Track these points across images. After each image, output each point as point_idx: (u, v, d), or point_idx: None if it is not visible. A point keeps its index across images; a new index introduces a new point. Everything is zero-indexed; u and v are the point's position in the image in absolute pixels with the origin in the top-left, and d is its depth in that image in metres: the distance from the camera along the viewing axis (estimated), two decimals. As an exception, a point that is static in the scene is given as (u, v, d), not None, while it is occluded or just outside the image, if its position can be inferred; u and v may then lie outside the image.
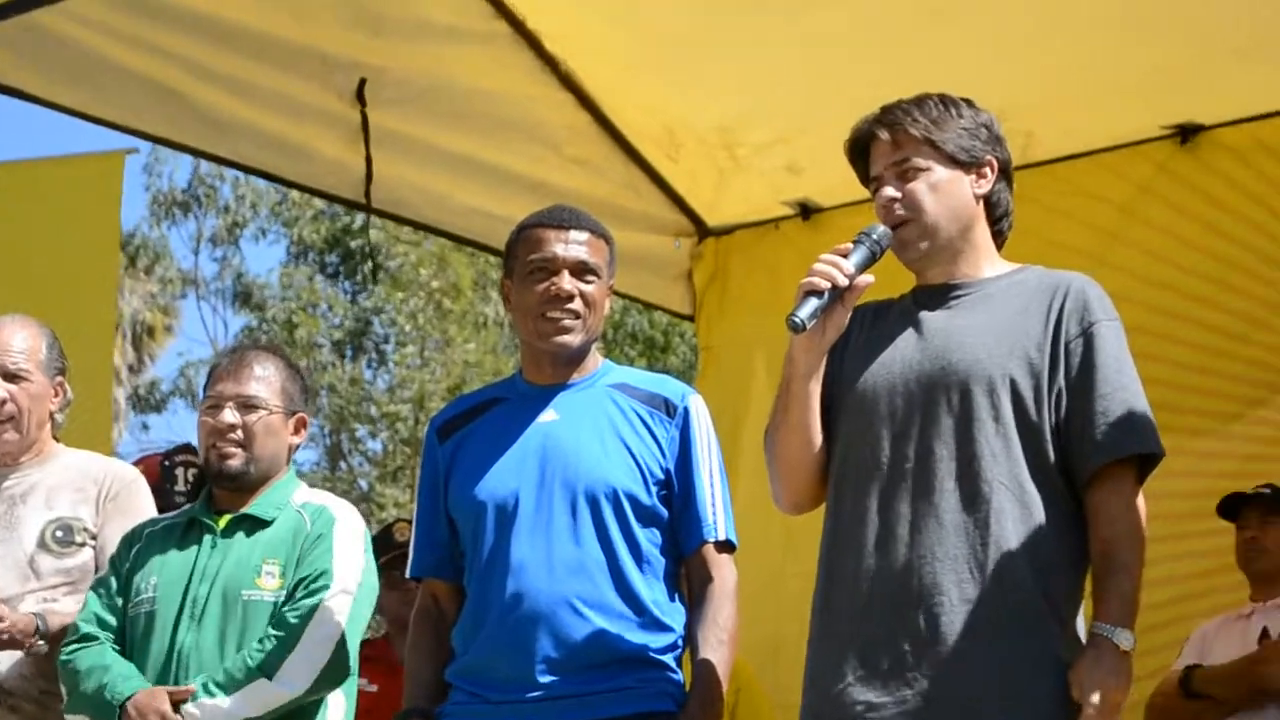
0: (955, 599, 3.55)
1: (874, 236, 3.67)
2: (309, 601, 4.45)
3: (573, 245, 4.17)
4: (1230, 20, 6.11)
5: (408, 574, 4.38)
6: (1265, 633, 6.09)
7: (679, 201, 7.66)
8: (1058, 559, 3.59)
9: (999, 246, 3.86)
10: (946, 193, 3.73)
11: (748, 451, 7.17)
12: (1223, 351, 6.79)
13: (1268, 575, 6.28)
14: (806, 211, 7.57)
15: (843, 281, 3.59)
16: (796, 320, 3.54)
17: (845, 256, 3.62)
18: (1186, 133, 6.81)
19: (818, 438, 3.77)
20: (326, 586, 4.47)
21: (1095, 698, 3.44)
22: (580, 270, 4.16)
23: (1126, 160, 6.93)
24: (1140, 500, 3.64)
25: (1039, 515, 3.59)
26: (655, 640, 4.05)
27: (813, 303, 3.56)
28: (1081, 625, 3.63)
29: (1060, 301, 3.68)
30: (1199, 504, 6.46)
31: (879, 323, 3.81)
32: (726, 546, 4.14)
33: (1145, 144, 6.89)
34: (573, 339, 4.17)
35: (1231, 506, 6.38)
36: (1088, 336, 3.66)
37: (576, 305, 4.15)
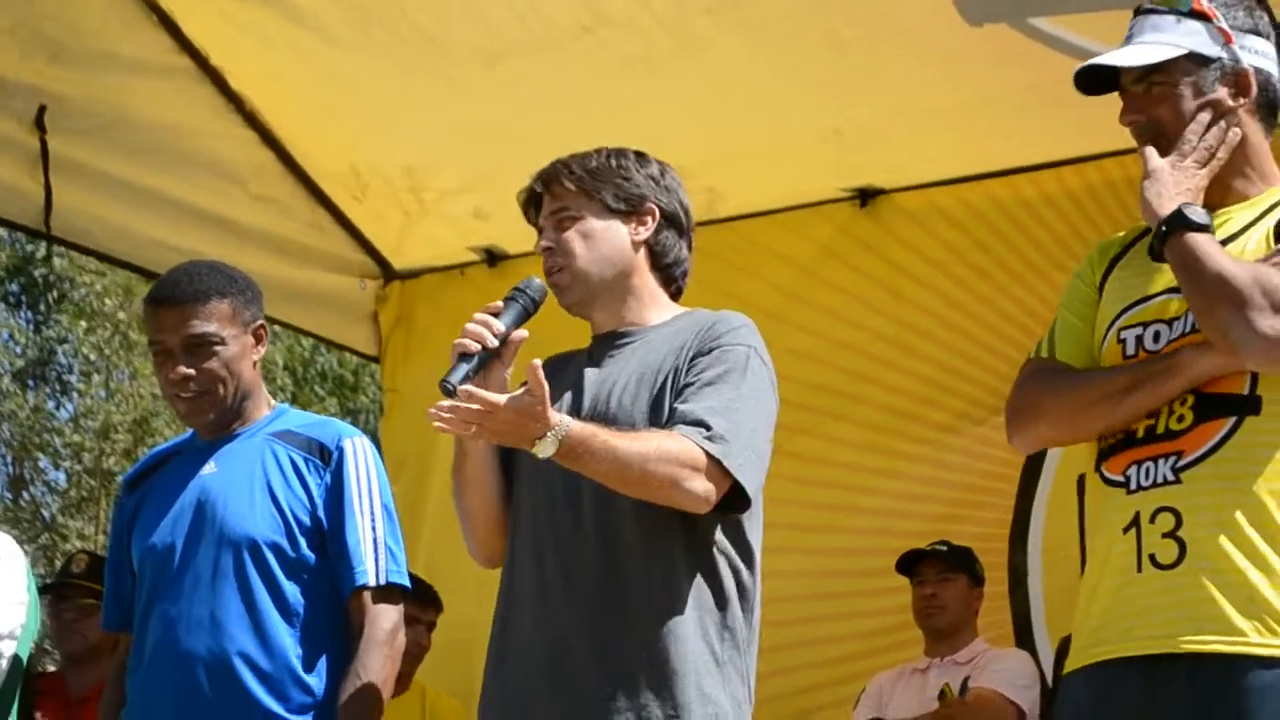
0: (610, 654, 3.56)
1: (528, 291, 3.66)
2: None
3: (181, 323, 4.11)
4: (911, 87, 6.24)
5: (101, 627, 4.40)
6: (945, 689, 6.20)
7: (364, 243, 7.62)
8: (693, 612, 3.59)
9: (675, 294, 3.87)
10: (599, 239, 3.75)
11: (435, 496, 7.15)
12: (904, 411, 6.91)
13: (945, 631, 6.41)
14: (493, 258, 7.57)
15: (492, 342, 3.57)
16: (448, 385, 3.49)
17: (497, 315, 3.61)
18: (866, 196, 6.94)
19: (498, 494, 3.77)
20: None
21: None
22: (195, 346, 4.11)
23: (807, 220, 7.04)
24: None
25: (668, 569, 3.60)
26: (293, 698, 4.01)
27: (464, 366, 3.53)
28: (729, 680, 3.62)
29: (695, 332, 3.70)
30: (879, 560, 6.58)
31: (558, 376, 3.79)
32: (390, 591, 4.10)
33: (825, 205, 7.01)
34: (208, 416, 4.16)
35: (909, 563, 6.50)
36: (706, 357, 3.64)
37: (197, 385, 4.11)
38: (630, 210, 3.79)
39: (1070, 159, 6.58)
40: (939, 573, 6.45)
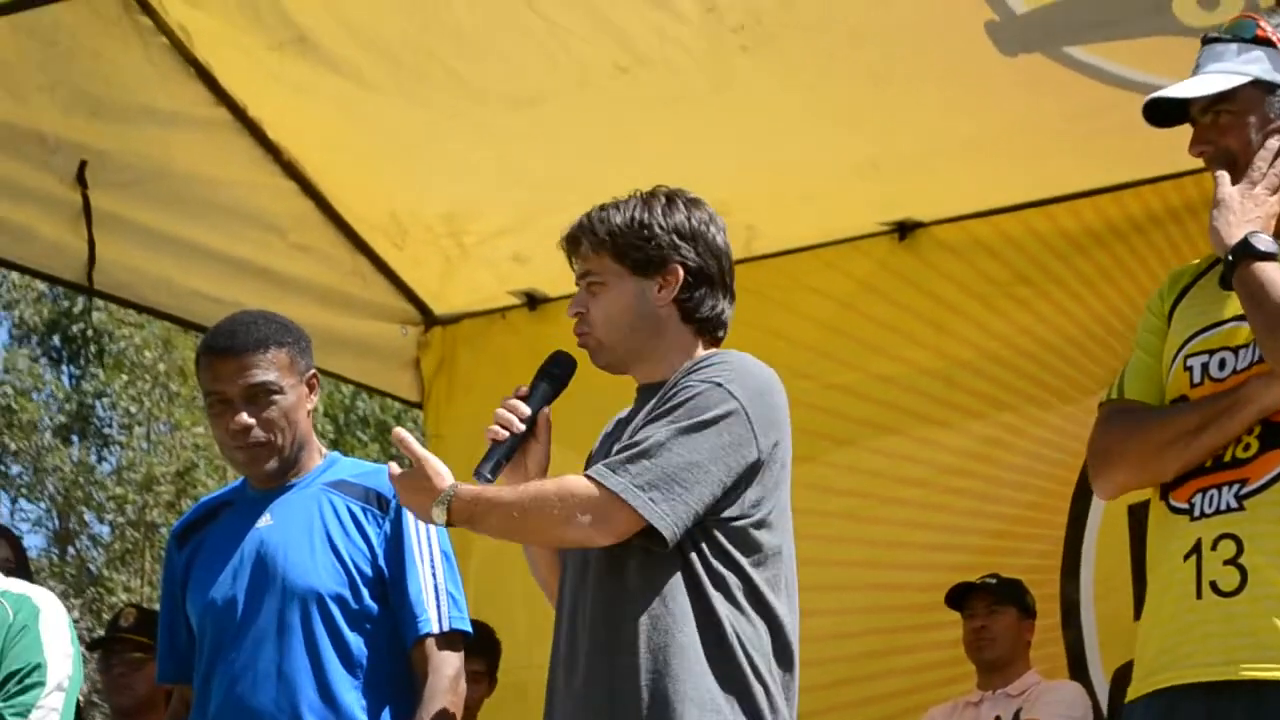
0: (620, 686, 3.56)
1: (553, 369, 3.76)
2: (24, 700, 4.35)
3: (241, 373, 4.07)
4: (947, 119, 6.23)
5: (156, 681, 4.40)
6: (999, 721, 6.19)
7: (405, 289, 7.63)
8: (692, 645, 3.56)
9: (714, 343, 3.82)
10: (623, 306, 3.73)
11: (481, 540, 7.13)
12: (948, 445, 6.89)
13: (996, 664, 6.39)
14: (533, 301, 7.57)
15: (519, 427, 3.66)
16: (481, 474, 3.62)
17: (525, 398, 3.70)
18: (905, 229, 6.92)
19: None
20: (42, 683, 4.37)
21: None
22: (254, 395, 4.08)
23: (847, 255, 7.02)
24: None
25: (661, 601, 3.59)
26: None
27: (495, 453, 3.64)
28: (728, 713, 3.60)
29: (678, 374, 3.69)
30: (932, 596, 6.56)
31: (614, 432, 3.82)
32: (453, 638, 4.07)
33: (865, 239, 7.00)
34: (268, 465, 4.13)
35: (959, 596, 6.49)
36: (665, 395, 3.64)
37: (258, 435, 4.08)
38: (655, 270, 3.74)
39: (1108, 187, 6.57)
40: (988, 605, 6.42)
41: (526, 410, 3.68)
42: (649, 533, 3.52)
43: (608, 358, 3.77)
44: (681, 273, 3.74)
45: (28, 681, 4.37)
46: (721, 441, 3.57)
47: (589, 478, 3.53)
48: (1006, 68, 5.94)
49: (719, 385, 3.60)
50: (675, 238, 3.75)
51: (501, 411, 3.67)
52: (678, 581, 3.57)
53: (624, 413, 3.84)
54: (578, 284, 3.81)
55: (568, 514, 3.51)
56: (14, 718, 4.34)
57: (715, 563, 3.59)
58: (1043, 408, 6.68)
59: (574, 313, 3.78)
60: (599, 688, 3.57)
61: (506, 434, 3.64)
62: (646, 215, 3.75)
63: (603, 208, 3.79)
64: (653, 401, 3.66)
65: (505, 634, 6.67)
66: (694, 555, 3.58)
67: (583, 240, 3.76)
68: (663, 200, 3.78)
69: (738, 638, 3.58)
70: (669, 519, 3.50)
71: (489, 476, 3.61)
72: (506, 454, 3.63)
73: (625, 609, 3.57)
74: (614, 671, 3.56)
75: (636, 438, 3.57)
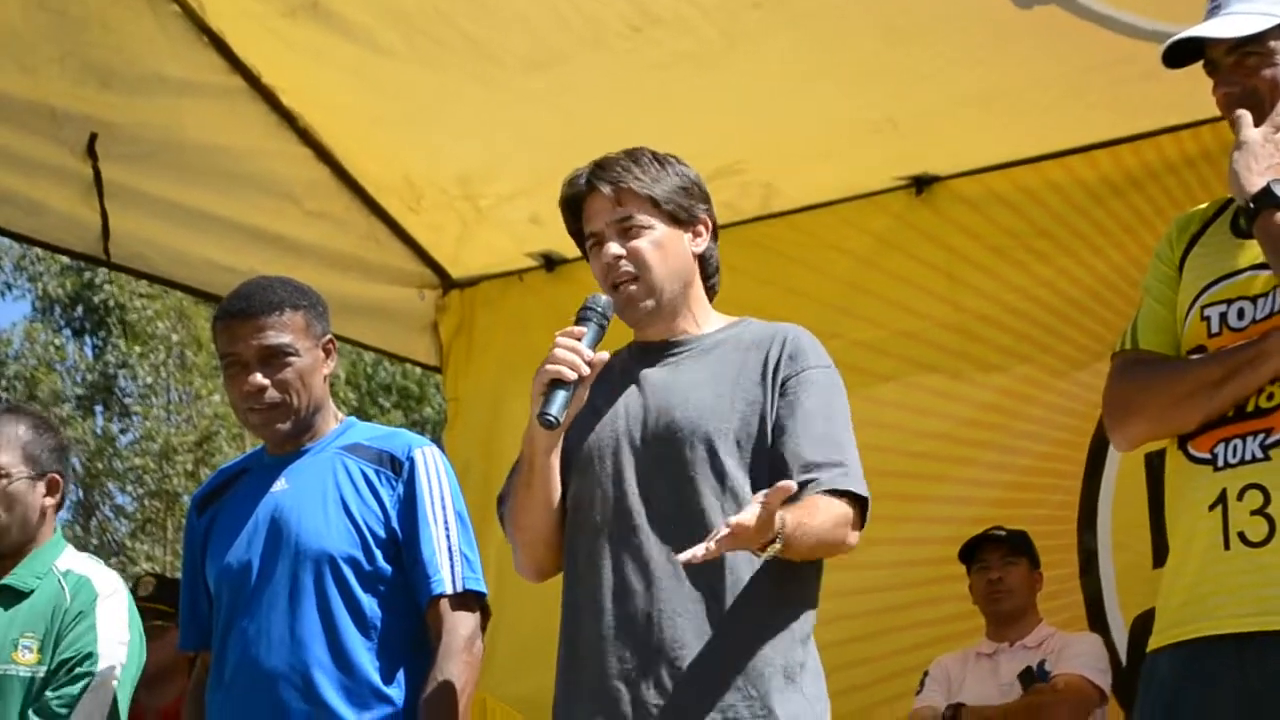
0: (698, 652, 3.55)
1: (599, 309, 3.65)
2: (71, 691, 4.40)
3: (255, 334, 4.08)
4: (959, 75, 6.21)
5: (178, 648, 4.39)
6: (1029, 673, 6.17)
7: (421, 253, 7.64)
8: (783, 614, 3.61)
9: (710, 301, 3.87)
10: (669, 251, 3.73)
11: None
12: (969, 397, 6.90)
13: (1012, 615, 6.38)
14: (550, 263, 7.58)
15: (585, 370, 3.56)
16: (550, 418, 3.51)
17: (579, 339, 3.59)
18: (921, 184, 6.92)
19: (558, 510, 3.76)
20: (91, 673, 4.42)
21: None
22: (269, 357, 4.08)
23: (864, 211, 7.01)
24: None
25: (761, 568, 3.59)
26: (374, 710, 3.99)
27: (562, 395, 3.53)
28: (809, 684, 3.62)
29: (776, 353, 3.69)
30: (950, 550, 6.57)
31: (602, 380, 3.75)
32: (467, 598, 4.07)
33: (882, 194, 6.98)
34: (282, 428, 4.13)
35: (969, 549, 6.49)
36: (798, 382, 3.66)
37: (272, 396, 4.08)
38: (689, 220, 3.77)
39: (1125, 137, 6.55)
40: (1002, 557, 6.43)
41: (589, 353, 3.57)
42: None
43: (651, 304, 3.72)
44: (710, 225, 3.81)
45: (77, 672, 4.40)
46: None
47: (837, 492, 3.58)
48: (1021, 19, 5.90)
49: (832, 368, 3.73)
50: (699, 190, 3.81)
51: (564, 354, 3.54)
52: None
53: (620, 360, 3.78)
54: (599, 232, 3.74)
55: (847, 535, 3.59)
56: (61, 709, 4.36)
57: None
58: (1061, 359, 6.67)
59: (615, 255, 3.70)
60: (677, 650, 3.56)
61: (574, 375, 3.54)
62: (675, 168, 3.79)
63: (619, 159, 3.76)
64: (773, 379, 3.66)
65: (526, 598, 6.65)
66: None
67: (623, 183, 3.71)
68: (670, 157, 3.82)
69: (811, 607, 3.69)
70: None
71: (557, 419, 3.51)
72: (570, 396, 3.54)
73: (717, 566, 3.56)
74: (698, 636, 3.56)
75: (822, 443, 3.61)
